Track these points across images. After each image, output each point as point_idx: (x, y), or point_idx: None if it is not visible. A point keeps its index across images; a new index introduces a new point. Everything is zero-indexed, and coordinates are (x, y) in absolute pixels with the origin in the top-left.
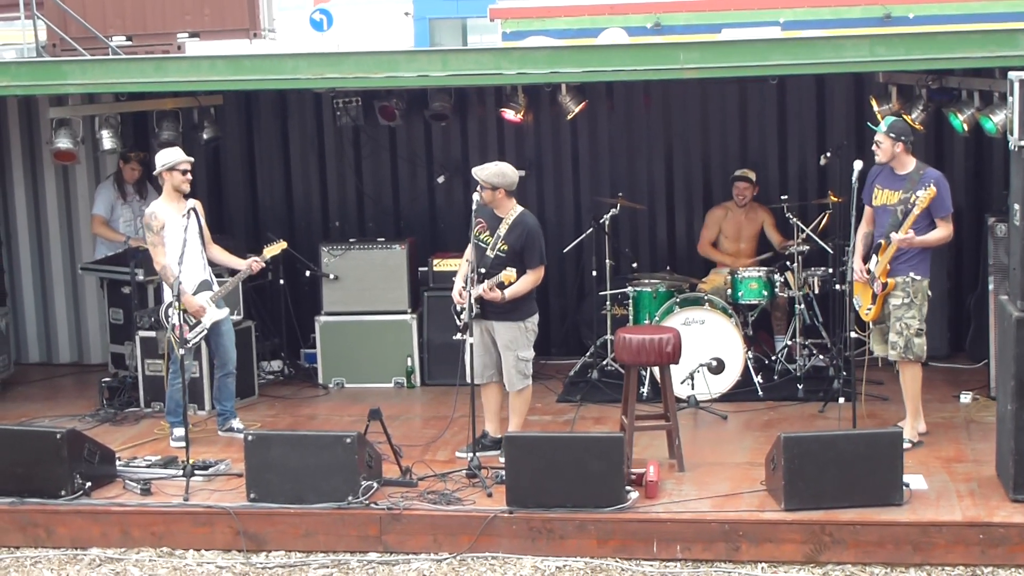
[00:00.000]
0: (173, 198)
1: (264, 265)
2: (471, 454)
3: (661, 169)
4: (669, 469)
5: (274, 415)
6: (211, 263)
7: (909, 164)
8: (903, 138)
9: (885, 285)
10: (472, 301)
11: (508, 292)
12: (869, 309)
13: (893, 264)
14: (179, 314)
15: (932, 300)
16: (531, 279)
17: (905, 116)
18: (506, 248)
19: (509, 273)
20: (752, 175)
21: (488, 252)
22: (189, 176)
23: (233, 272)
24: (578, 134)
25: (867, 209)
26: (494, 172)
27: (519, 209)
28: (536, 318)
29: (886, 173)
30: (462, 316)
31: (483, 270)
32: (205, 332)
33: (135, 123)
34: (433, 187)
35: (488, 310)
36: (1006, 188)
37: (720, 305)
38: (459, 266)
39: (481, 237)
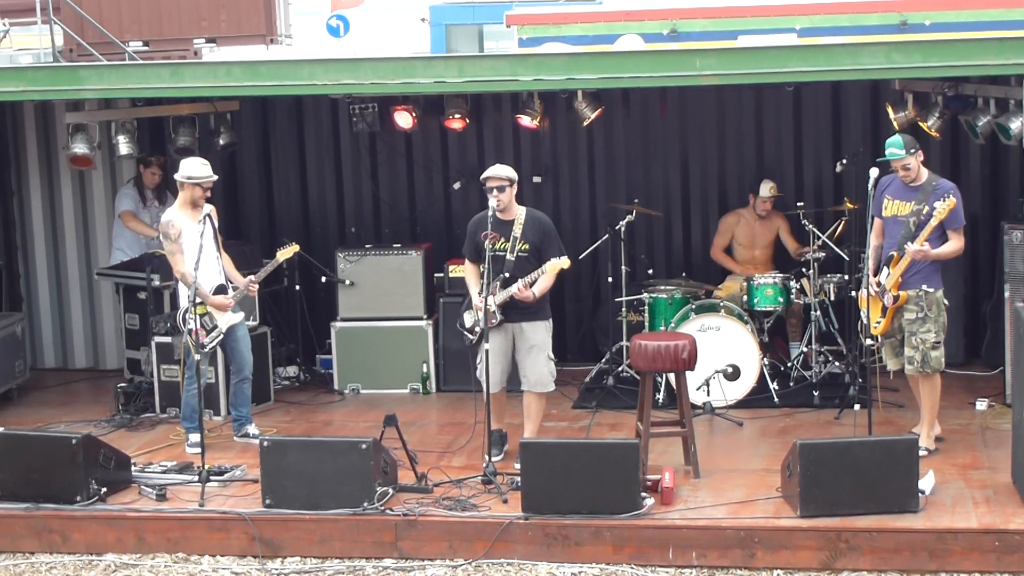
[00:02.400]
0: (188, 205)
1: (257, 287)
2: (488, 459)
3: (677, 176)
4: (685, 475)
5: (290, 421)
6: None
7: (922, 175)
8: (919, 148)
9: (896, 298)
10: (495, 308)
11: (537, 290)
12: (878, 322)
13: (905, 277)
14: (196, 318)
15: (949, 307)
16: (554, 274)
17: (921, 123)
18: (527, 247)
19: (564, 262)
20: (778, 191)
21: (509, 256)
22: (209, 193)
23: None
24: (594, 140)
25: (876, 221)
26: (507, 169)
27: (523, 208)
28: (551, 321)
29: (897, 184)
30: (475, 329)
31: (506, 274)
32: (221, 336)
33: (151, 128)
34: (449, 193)
35: (515, 312)
36: (1022, 195)
37: (736, 312)
38: (465, 276)
39: (497, 247)
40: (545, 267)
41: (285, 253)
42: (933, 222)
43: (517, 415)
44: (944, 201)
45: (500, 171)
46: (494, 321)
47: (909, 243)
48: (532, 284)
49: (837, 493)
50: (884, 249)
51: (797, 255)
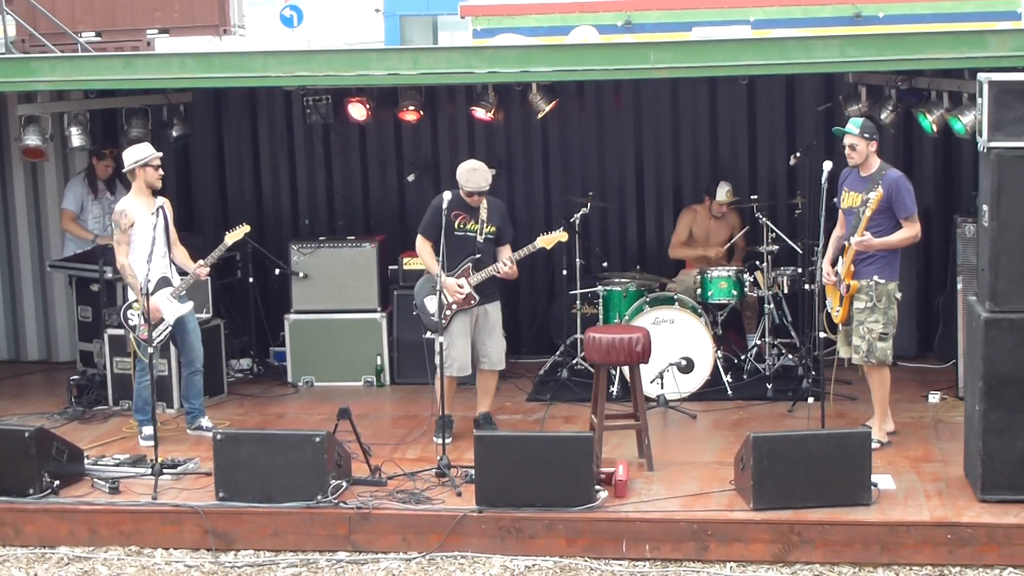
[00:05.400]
0: (143, 194)
1: (208, 270)
2: (443, 451)
3: (632, 168)
4: (638, 468)
5: (243, 413)
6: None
7: (874, 165)
8: (875, 137)
9: (849, 287)
10: (471, 290)
11: (508, 270)
12: (838, 311)
13: (857, 267)
14: (139, 315)
15: (901, 299)
16: (510, 253)
17: (875, 116)
18: (493, 230)
19: (560, 235)
20: (736, 197)
21: (478, 238)
22: (161, 171)
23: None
24: (548, 133)
25: (840, 212)
26: (483, 175)
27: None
28: None
29: (854, 175)
30: (448, 314)
31: (478, 255)
32: (170, 329)
33: (104, 120)
34: (403, 185)
35: (480, 295)
36: (975, 189)
37: (690, 304)
38: (423, 256)
39: (467, 227)
40: (537, 242)
41: (234, 235)
42: (868, 212)
43: (462, 407)
44: (875, 192)
45: (481, 184)
46: (473, 302)
47: (854, 234)
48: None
49: (790, 486)
50: (843, 239)
51: (740, 250)
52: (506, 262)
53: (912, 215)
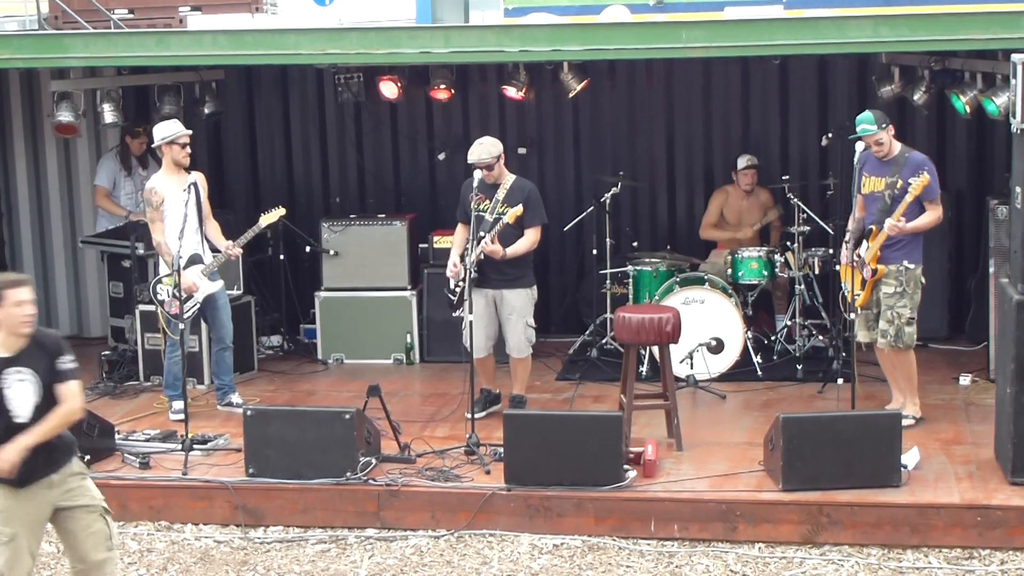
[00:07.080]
0: (173, 171)
1: (241, 250)
2: (472, 428)
3: (663, 148)
4: (667, 448)
5: (273, 390)
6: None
7: (894, 149)
8: (889, 122)
9: (875, 271)
10: (472, 268)
11: (509, 250)
12: (858, 295)
13: (884, 251)
14: (169, 290)
15: (933, 281)
16: (531, 239)
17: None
18: (508, 210)
19: (517, 209)
20: (756, 161)
21: (488, 217)
22: (188, 149)
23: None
24: (579, 112)
25: (859, 196)
26: (485, 148)
27: (513, 176)
28: (536, 289)
29: (872, 159)
30: (456, 290)
31: (482, 234)
32: (198, 306)
33: (136, 97)
34: (434, 164)
35: (495, 279)
36: (1008, 170)
37: (720, 285)
38: (453, 239)
39: (481, 207)
40: (505, 217)
41: (269, 217)
42: (908, 198)
43: (507, 384)
44: (918, 177)
45: (482, 156)
46: (471, 279)
47: (888, 218)
48: (502, 237)
49: (819, 467)
50: (864, 223)
51: (776, 230)
52: (486, 240)
53: (937, 197)
